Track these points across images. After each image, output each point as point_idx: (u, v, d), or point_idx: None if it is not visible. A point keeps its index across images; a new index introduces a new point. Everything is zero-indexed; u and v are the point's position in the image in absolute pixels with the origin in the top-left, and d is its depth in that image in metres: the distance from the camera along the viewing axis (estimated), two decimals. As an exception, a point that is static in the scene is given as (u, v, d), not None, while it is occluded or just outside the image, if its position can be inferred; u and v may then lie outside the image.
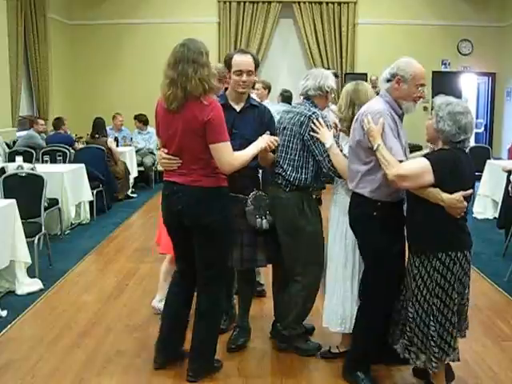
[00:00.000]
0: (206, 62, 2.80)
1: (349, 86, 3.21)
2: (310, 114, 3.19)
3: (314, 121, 3.17)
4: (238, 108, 3.26)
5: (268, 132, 3.04)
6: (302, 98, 3.38)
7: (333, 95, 3.48)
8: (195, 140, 2.81)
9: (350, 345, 3.12)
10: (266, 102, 6.30)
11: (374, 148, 2.70)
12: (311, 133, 3.17)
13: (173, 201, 2.93)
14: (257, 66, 3.23)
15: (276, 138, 3.06)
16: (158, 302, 3.90)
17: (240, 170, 2.97)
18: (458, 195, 2.58)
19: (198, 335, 3.05)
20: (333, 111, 4.60)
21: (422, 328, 2.72)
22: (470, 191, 2.64)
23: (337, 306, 3.18)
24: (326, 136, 3.12)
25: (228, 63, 3.21)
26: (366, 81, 10.34)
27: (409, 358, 2.81)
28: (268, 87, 6.47)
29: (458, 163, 2.64)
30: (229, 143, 2.83)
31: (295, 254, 3.25)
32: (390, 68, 2.85)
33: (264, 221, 3.20)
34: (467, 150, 2.79)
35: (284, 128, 3.28)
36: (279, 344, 3.45)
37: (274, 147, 3.04)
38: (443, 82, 11.10)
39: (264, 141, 2.98)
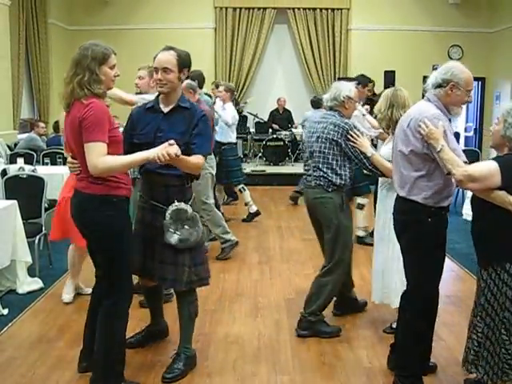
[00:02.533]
0: (88, 66, 2.62)
1: (388, 90, 3.59)
2: (343, 124, 3.49)
3: (351, 133, 3.44)
4: (165, 110, 3.03)
5: (172, 141, 2.65)
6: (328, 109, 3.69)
7: (354, 102, 3.66)
8: (79, 141, 2.64)
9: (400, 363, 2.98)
10: (227, 105, 6.66)
11: (438, 149, 2.59)
12: (351, 144, 3.44)
13: (71, 206, 2.87)
14: (183, 65, 2.97)
15: (175, 150, 2.63)
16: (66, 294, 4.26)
17: (161, 179, 2.93)
18: None
19: (98, 344, 2.85)
20: (367, 119, 5.07)
21: (494, 342, 2.61)
22: None
23: (383, 283, 3.61)
24: (366, 145, 3.42)
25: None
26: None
27: (475, 372, 2.69)
28: (231, 90, 6.87)
29: None
30: (99, 144, 2.58)
31: (332, 250, 3.58)
32: (441, 73, 2.72)
33: (175, 236, 2.95)
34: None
35: (318, 137, 3.57)
36: (301, 332, 3.65)
37: (165, 160, 2.62)
38: (434, 87, 11.35)
39: (156, 151, 2.62)
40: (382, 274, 3.63)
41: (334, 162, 3.53)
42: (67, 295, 4.24)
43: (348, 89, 3.61)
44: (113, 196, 2.72)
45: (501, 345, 2.59)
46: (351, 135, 3.41)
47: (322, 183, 3.57)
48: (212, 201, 5.32)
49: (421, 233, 2.77)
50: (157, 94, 3.10)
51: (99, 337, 2.82)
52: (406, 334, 2.89)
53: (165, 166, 2.75)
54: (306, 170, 3.80)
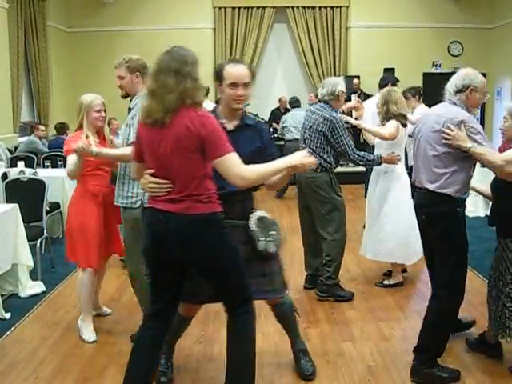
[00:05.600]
0: (190, 73, 2.38)
1: (384, 89, 4.58)
2: (331, 118, 4.10)
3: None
4: (230, 126, 2.81)
5: (308, 149, 2.61)
6: (320, 101, 4.28)
7: (345, 96, 4.29)
8: (187, 156, 2.38)
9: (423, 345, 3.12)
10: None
11: (469, 147, 2.86)
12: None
13: (161, 231, 2.46)
14: (253, 76, 2.82)
15: (311, 159, 2.54)
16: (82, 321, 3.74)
17: (239, 195, 2.73)
18: None
19: (233, 363, 2.62)
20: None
21: None
22: None
23: (373, 239, 4.55)
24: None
25: (219, 75, 2.77)
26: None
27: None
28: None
29: None
30: (234, 154, 2.38)
31: (327, 218, 4.20)
32: (460, 80, 3.01)
33: (270, 243, 2.85)
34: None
35: (311, 126, 4.21)
36: (320, 294, 4.27)
37: (304, 169, 2.54)
38: (434, 84, 11.27)
39: (298, 158, 2.48)
40: (376, 233, 4.53)
41: (322, 149, 4.16)
42: (91, 334, 3.65)
43: (342, 84, 4.22)
44: (217, 213, 2.48)
45: None
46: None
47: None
48: None
49: (453, 222, 3.02)
50: (140, 94, 3.03)
51: (236, 354, 2.61)
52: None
53: None
54: None
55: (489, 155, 2.86)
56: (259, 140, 2.87)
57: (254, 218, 2.84)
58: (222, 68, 2.78)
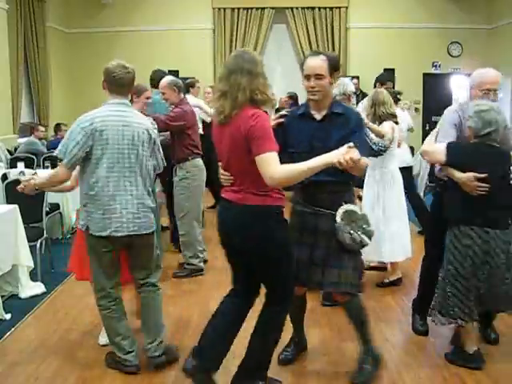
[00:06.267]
0: (261, 72, 2.60)
1: (372, 92, 4.74)
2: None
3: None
4: (318, 116, 2.93)
5: (350, 143, 2.46)
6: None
7: (354, 96, 4.43)
8: (241, 153, 2.56)
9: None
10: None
11: None
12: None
13: (223, 218, 2.74)
14: (333, 68, 2.91)
15: (357, 154, 2.43)
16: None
17: (325, 186, 2.83)
18: (469, 175, 3.02)
19: (252, 351, 2.85)
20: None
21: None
22: (482, 175, 2.99)
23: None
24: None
25: (301, 68, 2.95)
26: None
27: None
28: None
29: (474, 152, 3.11)
30: (271, 154, 2.47)
31: None
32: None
33: (363, 236, 2.88)
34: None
35: None
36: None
37: (348, 165, 2.41)
38: (434, 84, 11.34)
39: (336, 155, 2.43)
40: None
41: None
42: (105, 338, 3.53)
43: (351, 84, 4.45)
44: (273, 206, 2.64)
45: None
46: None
47: None
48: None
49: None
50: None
51: (255, 342, 2.83)
52: None
53: (329, 172, 2.59)
54: None
55: (427, 141, 3.36)
56: (348, 127, 2.88)
57: (341, 210, 2.86)
58: (303, 61, 2.96)
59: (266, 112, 2.78)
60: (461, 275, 3.09)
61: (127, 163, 3.03)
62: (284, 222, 2.73)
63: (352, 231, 2.85)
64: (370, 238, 2.92)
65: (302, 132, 2.92)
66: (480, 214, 3.05)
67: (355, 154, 2.41)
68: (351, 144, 2.45)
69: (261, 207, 2.61)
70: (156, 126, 3.75)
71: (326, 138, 2.81)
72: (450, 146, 3.15)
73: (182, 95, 4.89)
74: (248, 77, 2.55)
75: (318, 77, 2.83)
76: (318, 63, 2.84)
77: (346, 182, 2.92)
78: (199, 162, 4.91)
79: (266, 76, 2.63)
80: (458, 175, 3.07)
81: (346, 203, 2.90)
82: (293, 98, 9.14)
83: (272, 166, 2.45)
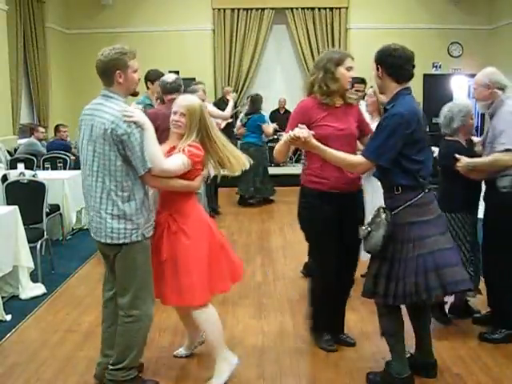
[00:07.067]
0: (324, 67, 3.16)
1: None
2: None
3: None
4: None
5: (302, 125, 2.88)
6: None
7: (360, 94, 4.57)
8: None
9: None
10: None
11: None
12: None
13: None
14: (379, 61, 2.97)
15: (300, 131, 2.83)
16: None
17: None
18: None
19: None
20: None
21: None
22: None
23: None
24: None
25: None
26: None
27: None
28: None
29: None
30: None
31: None
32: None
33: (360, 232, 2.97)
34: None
35: None
36: None
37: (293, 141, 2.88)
38: (435, 85, 11.33)
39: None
40: None
41: None
42: (184, 351, 3.41)
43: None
44: (310, 188, 3.23)
45: None
46: None
47: None
48: None
49: None
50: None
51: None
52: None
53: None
54: None
55: None
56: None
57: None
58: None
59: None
60: None
61: (89, 161, 2.73)
62: (312, 203, 3.27)
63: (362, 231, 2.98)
64: (373, 243, 2.93)
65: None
66: None
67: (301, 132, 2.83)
68: (301, 125, 2.89)
69: (302, 186, 3.37)
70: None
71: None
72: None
73: (170, 96, 4.29)
74: (313, 69, 3.29)
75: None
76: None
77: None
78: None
79: (328, 70, 3.17)
80: None
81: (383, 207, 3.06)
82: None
83: None
